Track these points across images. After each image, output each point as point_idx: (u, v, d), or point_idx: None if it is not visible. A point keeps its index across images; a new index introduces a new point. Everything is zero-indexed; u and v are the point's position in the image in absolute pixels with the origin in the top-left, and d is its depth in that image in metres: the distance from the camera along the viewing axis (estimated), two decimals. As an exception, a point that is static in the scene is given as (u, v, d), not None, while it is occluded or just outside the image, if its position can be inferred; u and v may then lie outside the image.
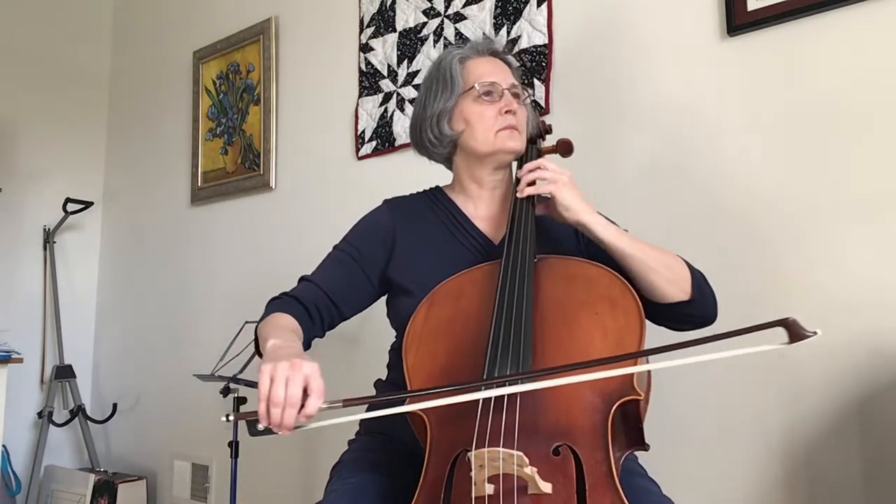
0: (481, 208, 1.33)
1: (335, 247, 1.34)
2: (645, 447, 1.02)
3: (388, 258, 1.29)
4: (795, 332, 0.83)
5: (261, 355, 1.15)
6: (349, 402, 0.91)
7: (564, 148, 1.33)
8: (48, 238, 3.13)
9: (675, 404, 1.60)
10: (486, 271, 1.15)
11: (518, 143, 1.26)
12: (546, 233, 1.26)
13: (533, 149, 1.33)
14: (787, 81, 1.56)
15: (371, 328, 2.25)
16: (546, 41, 1.92)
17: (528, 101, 1.34)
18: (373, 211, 1.36)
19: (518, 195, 1.20)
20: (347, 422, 0.97)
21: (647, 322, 1.18)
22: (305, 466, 2.41)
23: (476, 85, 1.26)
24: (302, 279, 1.30)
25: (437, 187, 1.40)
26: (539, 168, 1.18)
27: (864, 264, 1.44)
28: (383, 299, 1.34)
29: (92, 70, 3.40)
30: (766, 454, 1.52)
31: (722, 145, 1.63)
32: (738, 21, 1.61)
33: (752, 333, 0.87)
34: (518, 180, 1.22)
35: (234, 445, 2.20)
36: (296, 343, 1.08)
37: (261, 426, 0.91)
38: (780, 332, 0.83)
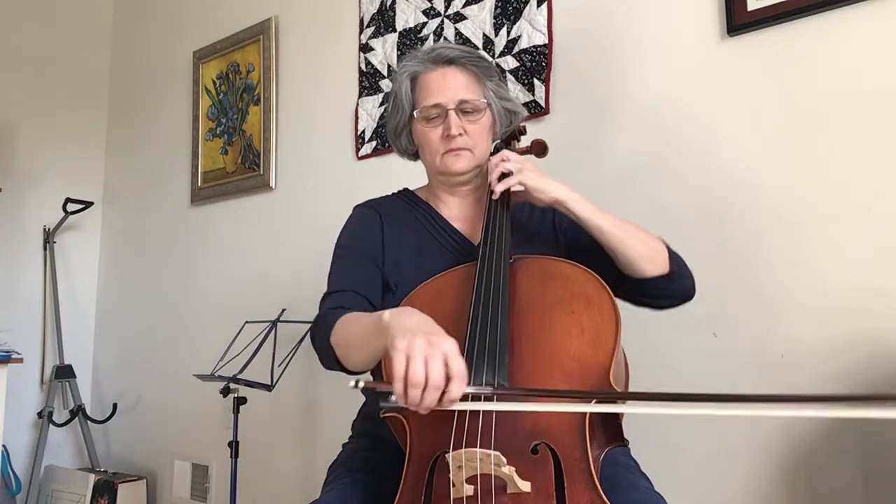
0: (455, 210, 1.33)
1: (338, 256, 1.30)
2: (624, 443, 1.03)
3: (382, 256, 1.29)
4: None
5: (342, 368, 1.11)
6: (500, 391, 0.89)
7: (539, 149, 1.33)
8: (48, 238, 3.13)
9: (675, 404, 1.60)
10: (463, 273, 1.16)
11: (465, 163, 1.25)
12: (522, 231, 1.27)
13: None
14: (786, 81, 1.56)
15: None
16: (546, 41, 1.92)
17: (493, 106, 1.28)
18: (353, 216, 1.35)
19: (493, 197, 1.21)
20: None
21: (632, 308, 1.20)
22: (305, 466, 2.41)
23: (417, 110, 1.26)
24: (327, 295, 1.23)
25: (407, 189, 1.40)
26: (502, 161, 1.19)
27: (864, 264, 1.44)
28: None
29: (92, 70, 3.40)
30: (765, 455, 1.52)
31: (722, 145, 1.63)
32: (738, 21, 1.61)
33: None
34: (490, 183, 1.22)
35: (234, 445, 2.20)
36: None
37: (399, 403, 0.85)
38: None
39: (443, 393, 0.85)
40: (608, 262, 1.17)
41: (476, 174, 1.30)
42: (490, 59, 1.32)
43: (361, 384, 0.87)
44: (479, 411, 0.94)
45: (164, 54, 3.18)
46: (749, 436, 1.54)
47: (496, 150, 1.29)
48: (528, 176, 1.17)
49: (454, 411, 0.94)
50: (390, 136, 1.36)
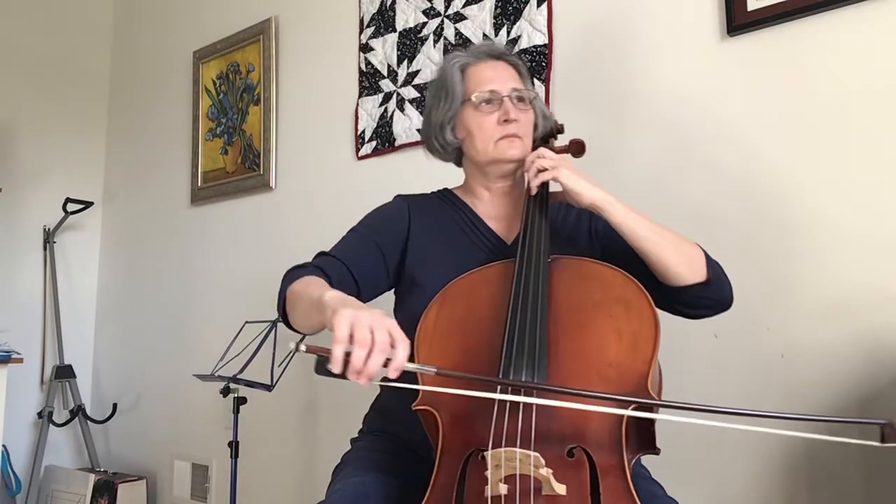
0: (492, 209, 1.32)
1: (352, 229, 1.31)
2: (656, 451, 1.02)
3: (404, 249, 1.28)
4: (890, 434, 0.82)
5: (285, 318, 1.14)
6: (444, 372, 0.88)
7: (577, 148, 1.31)
8: (48, 238, 3.13)
9: (675, 404, 1.60)
10: (499, 270, 1.14)
11: (518, 150, 1.25)
12: (558, 232, 1.25)
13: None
14: (786, 81, 1.56)
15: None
16: (546, 41, 1.92)
17: (536, 102, 1.31)
18: (387, 204, 1.36)
19: (531, 193, 1.20)
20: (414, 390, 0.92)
21: (663, 314, 1.18)
22: (305, 466, 2.41)
23: (474, 94, 1.25)
24: (321, 254, 1.26)
25: (447, 189, 1.39)
26: (539, 157, 1.18)
27: (864, 264, 1.44)
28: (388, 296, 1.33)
29: (92, 70, 3.40)
30: (766, 454, 1.52)
31: (721, 145, 1.63)
32: (738, 21, 1.61)
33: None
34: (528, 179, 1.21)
35: (234, 445, 2.20)
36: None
37: (335, 369, 0.84)
38: (875, 430, 0.83)
39: (388, 361, 0.85)
40: (645, 268, 1.14)
41: (518, 168, 1.29)
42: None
43: (304, 348, 0.85)
44: (517, 412, 0.93)
45: (164, 54, 3.17)
46: (749, 435, 1.54)
47: (534, 148, 1.28)
48: (566, 175, 1.14)
49: (492, 410, 0.94)
50: (432, 131, 1.32)
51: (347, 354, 0.84)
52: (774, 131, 1.57)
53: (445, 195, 1.37)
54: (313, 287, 1.08)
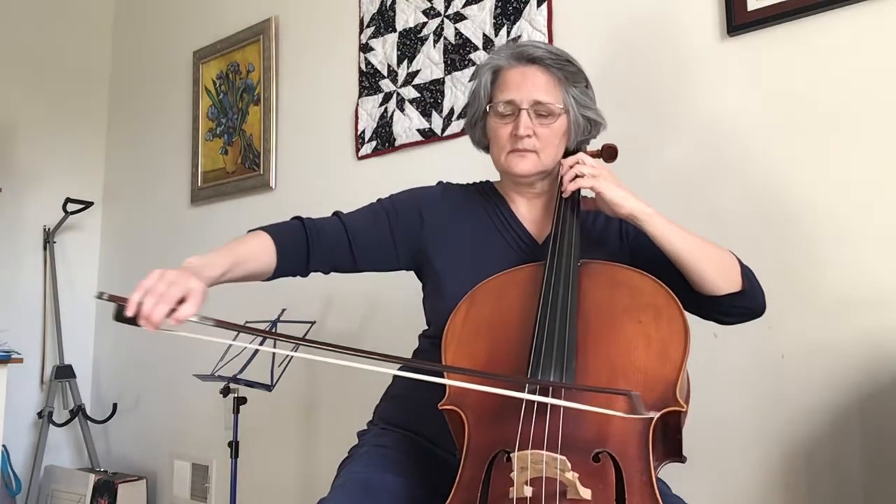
0: (523, 209, 1.31)
1: (378, 199, 1.33)
2: (682, 459, 1.01)
3: (422, 239, 1.28)
4: (633, 407, 0.88)
5: None
6: (223, 324, 0.94)
7: (609, 153, 1.29)
8: (48, 238, 3.13)
9: (675, 404, 1.60)
10: (530, 272, 1.14)
11: (529, 166, 1.22)
12: (588, 234, 1.25)
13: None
14: (786, 81, 1.56)
15: (376, 325, 2.25)
16: (546, 41, 1.92)
17: (573, 111, 1.24)
18: (426, 187, 1.36)
19: (563, 195, 1.18)
20: (233, 347, 0.96)
21: (691, 317, 1.18)
22: (305, 466, 2.41)
23: (493, 103, 1.24)
24: (335, 213, 1.30)
25: (489, 182, 1.38)
26: (578, 163, 1.16)
27: (865, 263, 1.44)
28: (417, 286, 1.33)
29: (92, 70, 3.40)
30: (765, 454, 1.52)
31: (721, 145, 1.63)
32: (738, 21, 1.61)
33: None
34: (562, 180, 1.19)
35: (234, 445, 2.20)
36: (220, 268, 1.09)
37: (128, 313, 0.93)
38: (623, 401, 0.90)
39: (172, 311, 0.93)
40: (677, 273, 1.13)
41: (542, 178, 1.27)
42: (579, 65, 1.28)
43: (106, 296, 0.94)
44: (545, 414, 0.93)
45: (164, 54, 3.17)
46: (749, 435, 1.54)
47: (568, 153, 1.26)
48: (605, 185, 1.12)
49: (519, 412, 0.94)
50: (467, 126, 1.35)
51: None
52: (774, 131, 1.57)
53: (487, 188, 1.36)
54: (226, 246, 1.17)
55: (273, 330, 2.18)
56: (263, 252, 1.18)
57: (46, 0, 3.26)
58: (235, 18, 2.83)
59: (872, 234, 1.43)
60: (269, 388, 2.10)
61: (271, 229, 1.22)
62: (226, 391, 2.19)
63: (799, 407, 1.49)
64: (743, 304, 1.15)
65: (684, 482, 1.58)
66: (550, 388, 0.95)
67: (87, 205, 3.12)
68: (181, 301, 0.94)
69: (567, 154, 1.26)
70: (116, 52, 3.46)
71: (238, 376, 2.10)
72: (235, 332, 1.02)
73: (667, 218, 1.13)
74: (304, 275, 1.26)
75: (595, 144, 1.34)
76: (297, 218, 1.26)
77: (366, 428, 1.29)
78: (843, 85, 1.49)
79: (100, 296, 0.94)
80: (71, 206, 3.08)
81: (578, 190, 1.18)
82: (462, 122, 1.64)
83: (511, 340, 1.05)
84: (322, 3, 2.53)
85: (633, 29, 1.79)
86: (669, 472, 1.21)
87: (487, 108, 1.25)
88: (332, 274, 1.30)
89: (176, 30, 3.14)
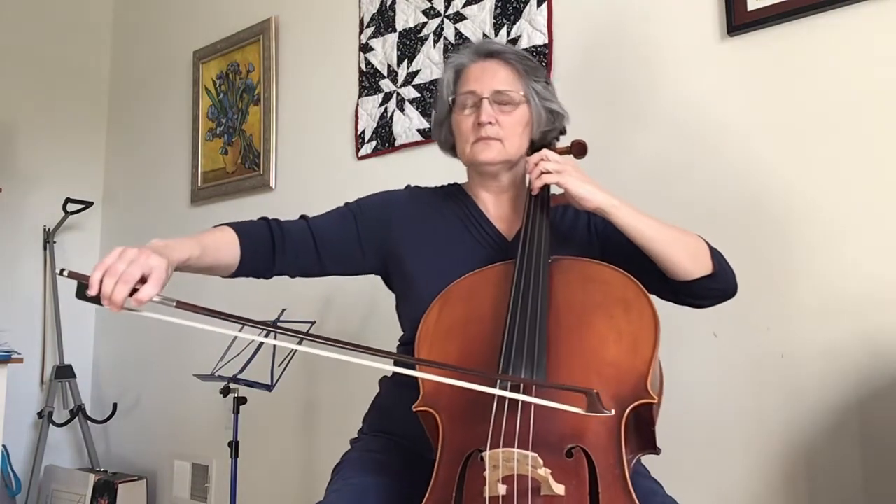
0: (492, 208, 1.32)
1: (346, 203, 1.34)
2: (656, 451, 1.02)
3: (390, 241, 1.29)
4: (592, 405, 0.88)
5: None
6: (183, 305, 0.92)
7: (578, 149, 1.30)
8: (48, 238, 3.13)
9: (675, 404, 1.60)
10: (500, 271, 1.15)
11: (494, 153, 1.23)
12: (556, 230, 1.25)
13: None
14: (787, 81, 1.56)
15: (376, 325, 2.25)
16: (546, 41, 1.92)
17: (534, 101, 1.26)
18: (394, 190, 1.37)
19: (532, 192, 1.20)
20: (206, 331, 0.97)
21: (668, 303, 1.19)
22: (305, 466, 2.41)
23: (455, 97, 1.26)
24: (301, 216, 1.31)
25: (457, 184, 1.39)
26: (543, 160, 1.17)
27: (865, 263, 1.44)
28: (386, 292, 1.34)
29: (92, 70, 3.40)
30: (766, 454, 1.52)
31: (722, 145, 1.63)
32: (738, 21, 1.61)
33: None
34: (530, 178, 1.20)
35: (234, 445, 2.20)
36: (185, 253, 1.08)
37: (90, 292, 0.92)
38: (581, 398, 0.89)
39: (134, 291, 0.92)
40: (650, 263, 1.14)
41: (507, 169, 1.29)
42: (536, 62, 1.30)
43: (66, 273, 0.93)
44: (516, 412, 0.94)
45: (164, 54, 3.17)
46: (748, 434, 1.54)
47: (535, 149, 1.27)
48: (570, 180, 1.12)
49: (490, 410, 0.95)
50: (434, 128, 1.36)
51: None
52: (774, 131, 1.57)
53: (454, 190, 1.37)
54: (196, 235, 1.16)
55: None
56: (228, 246, 1.19)
57: (47, 1, 3.26)
58: (235, 18, 2.83)
59: (873, 234, 1.43)
60: (269, 388, 2.10)
61: (236, 226, 1.22)
62: (226, 391, 2.19)
63: (798, 407, 1.49)
64: (715, 287, 1.16)
65: (684, 482, 1.58)
66: (521, 386, 0.95)
67: (87, 205, 3.12)
68: (142, 280, 0.93)
69: (534, 148, 1.27)
70: (116, 52, 3.46)
71: (238, 376, 2.10)
72: (240, 325, 1.01)
73: (635, 208, 1.14)
74: (268, 276, 1.26)
75: (566, 140, 1.35)
76: (264, 218, 1.26)
77: (357, 437, 1.31)
78: (843, 84, 1.49)
79: (60, 272, 0.94)
80: (71, 206, 3.08)
81: (547, 187, 1.20)
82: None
83: (483, 339, 1.06)
84: (322, 3, 2.53)
85: (634, 29, 1.79)
86: (668, 472, 1.21)
87: (451, 101, 1.27)
88: (330, 276, 1.30)
89: (176, 30, 3.14)
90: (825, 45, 1.51)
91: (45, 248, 3.15)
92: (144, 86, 3.27)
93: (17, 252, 3.09)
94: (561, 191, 1.16)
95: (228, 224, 1.22)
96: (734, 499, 1.55)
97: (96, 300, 0.92)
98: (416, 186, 1.39)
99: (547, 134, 1.32)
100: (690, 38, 1.70)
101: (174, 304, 0.92)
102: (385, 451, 1.20)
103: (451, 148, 1.35)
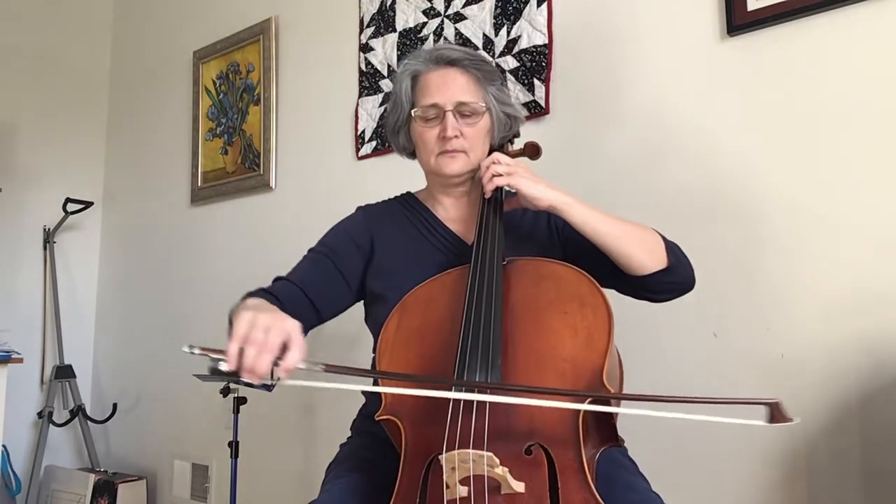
0: (451, 211, 1.34)
1: (310, 250, 1.34)
2: (619, 443, 1.03)
3: (366, 263, 1.30)
4: (777, 415, 0.87)
5: None
6: (331, 368, 0.88)
7: (532, 151, 1.32)
8: (48, 238, 3.13)
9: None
10: (456, 276, 1.16)
11: (459, 165, 1.25)
12: (516, 231, 1.27)
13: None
14: (786, 81, 1.56)
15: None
16: (546, 41, 1.92)
17: (494, 109, 1.28)
18: (347, 217, 1.38)
19: (485, 196, 1.21)
20: (322, 389, 0.94)
21: (630, 300, 1.20)
22: (305, 466, 2.41)
23: (418, 108, 1.26)
24: (277, 279, 1.29)
25: (409, 193, 1.41)
26: (494, 163, 1.18)
27: (864, 264, 1.44)
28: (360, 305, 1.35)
29: (92, 70, 3.40)
30: (765, 454, 1.52)
31: (721, 145, 1.63)
32: (738, 21, 1.61)
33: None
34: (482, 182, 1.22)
35: (234, 445, 2.20)
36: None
37: (225, 367, 0.86)
38: (762, 410, 0.87)
39: (279, 360, 0.87)
40: (607, 258, 1.16)
41: (470, 176, 1.30)
42: (492, 62, 1.30)
43: (197, 350, 0.87)
44: (471, 413, 0.95)
45: (164, 54, 3.17)
46: (748, 435, 1.54)
47: (493, 151, 1.28)
48: (522, 181, 1.14)
49: (447, 412, 0.96)
50: (389, 134, 1.36)
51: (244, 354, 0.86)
52: (775, 131, 1.57)
53: (407, 200, 1.39)
54: (246, 306, 1.10)
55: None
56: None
57: (46, 1, 3.26)
58: (235, 18, 2.83)
59: (872, 235, 1.43)
60: (269, 388, 2.10)
61: (263, 295, 1.20)
62: (226, 391, 2.19)
63: (798, 407, 1.49)
64: (671, 280, 1.17)
65: (683, 482, 1.58)
66: (476, 389, 0.97)
67: (87, 205, 3.12)
68: (283, 348, 0.87)
69: (492, 152, 1.28)
70: (116, 53, 3.46)
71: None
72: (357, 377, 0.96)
73: (588, 205, 1.15)
74: None
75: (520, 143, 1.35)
76: (260, 289, 1.24)
77: (345, 441, 1.33)
78: (843, 84, 1.49)
79: (190, 350, 0.86)
80: (71, 206, 3.08)
81: (501, 189, 1.21)
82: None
83: (441, 345, 1.07)
84: (322, 2, 2.53)
85: (633, 29, 1.79)
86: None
87: (412, 113, 1.27)
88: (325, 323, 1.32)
89: (176, 30, 3.14)
90: (825, 44, 1.51)
91: (45, 248, 3.15)
92: (144, 86, 3.27)
93: (17, 252, 3.09)
94: (513, 191, 1.18)
95: (255, 300, 1.17)
96: (734, 499, 1.55)
97: (234, 376, 0.86)
98: (367, 205, 1.40)
99: (503, 138, 1.33)
100: (691, 38, 1.70)
101: (322, 367, 0.87)
102: (371, 447, 1.22)
103: (410, 154, 1.36)
